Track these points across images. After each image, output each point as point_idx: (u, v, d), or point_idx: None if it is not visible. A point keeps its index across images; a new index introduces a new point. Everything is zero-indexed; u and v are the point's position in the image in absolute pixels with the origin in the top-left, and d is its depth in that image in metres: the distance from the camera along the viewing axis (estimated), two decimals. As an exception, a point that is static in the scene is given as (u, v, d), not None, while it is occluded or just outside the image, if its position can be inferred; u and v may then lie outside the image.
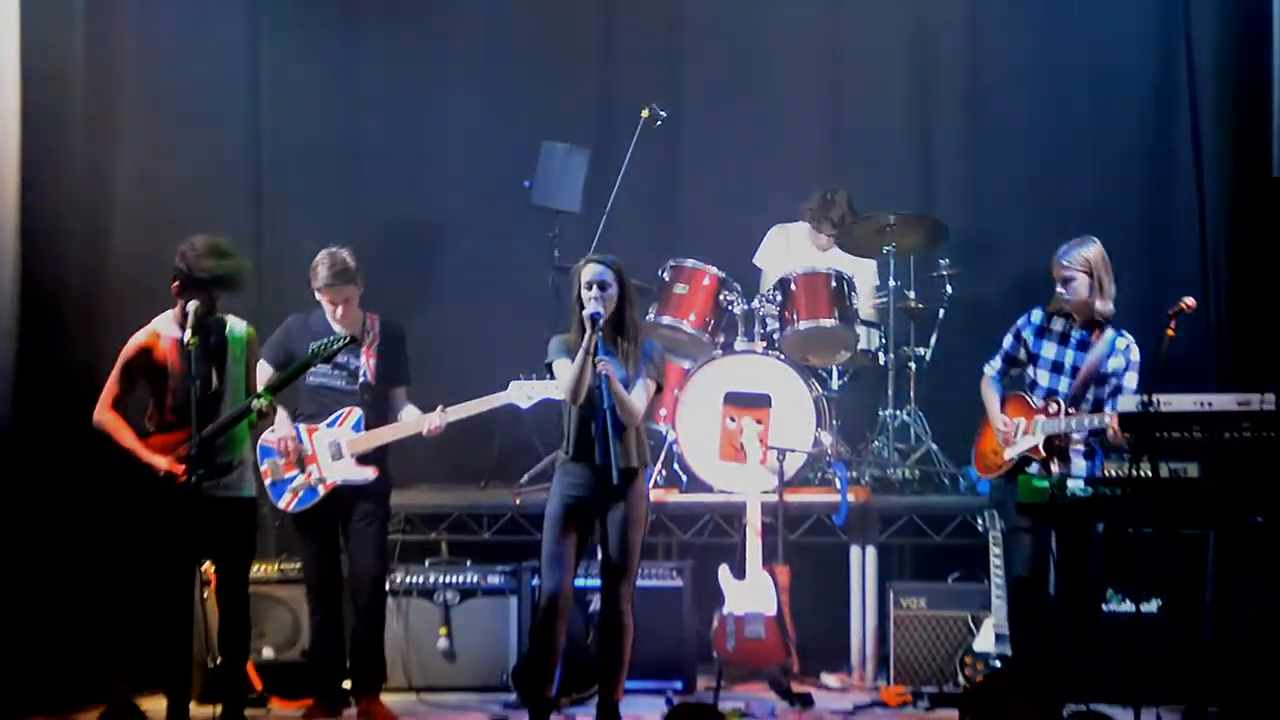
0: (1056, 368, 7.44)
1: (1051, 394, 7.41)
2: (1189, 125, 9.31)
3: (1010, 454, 7.44)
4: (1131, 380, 7.37)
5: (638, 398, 7.07)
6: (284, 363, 7.56)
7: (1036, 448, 7.36)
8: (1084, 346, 7.41)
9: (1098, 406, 7.37)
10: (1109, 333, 7.39)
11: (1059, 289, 7.40)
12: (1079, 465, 7.41)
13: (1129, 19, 9.52)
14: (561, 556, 7.12)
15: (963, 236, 9.44)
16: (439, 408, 7.76)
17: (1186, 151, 9.33)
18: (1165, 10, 9.46)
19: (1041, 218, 9.31)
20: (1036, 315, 7.50)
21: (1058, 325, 7.47)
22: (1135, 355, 7.40)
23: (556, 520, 7.14)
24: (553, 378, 7.26)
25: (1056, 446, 7.39)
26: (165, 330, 7.14)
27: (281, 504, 7.73)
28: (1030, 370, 7.51)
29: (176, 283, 7.05)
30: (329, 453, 7.70)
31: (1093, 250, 7.37)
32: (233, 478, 7.16)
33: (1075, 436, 7.38)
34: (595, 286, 7.05)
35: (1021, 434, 7.41)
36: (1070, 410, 7.35)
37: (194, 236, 7.08)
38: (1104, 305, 7.37)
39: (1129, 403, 7.09)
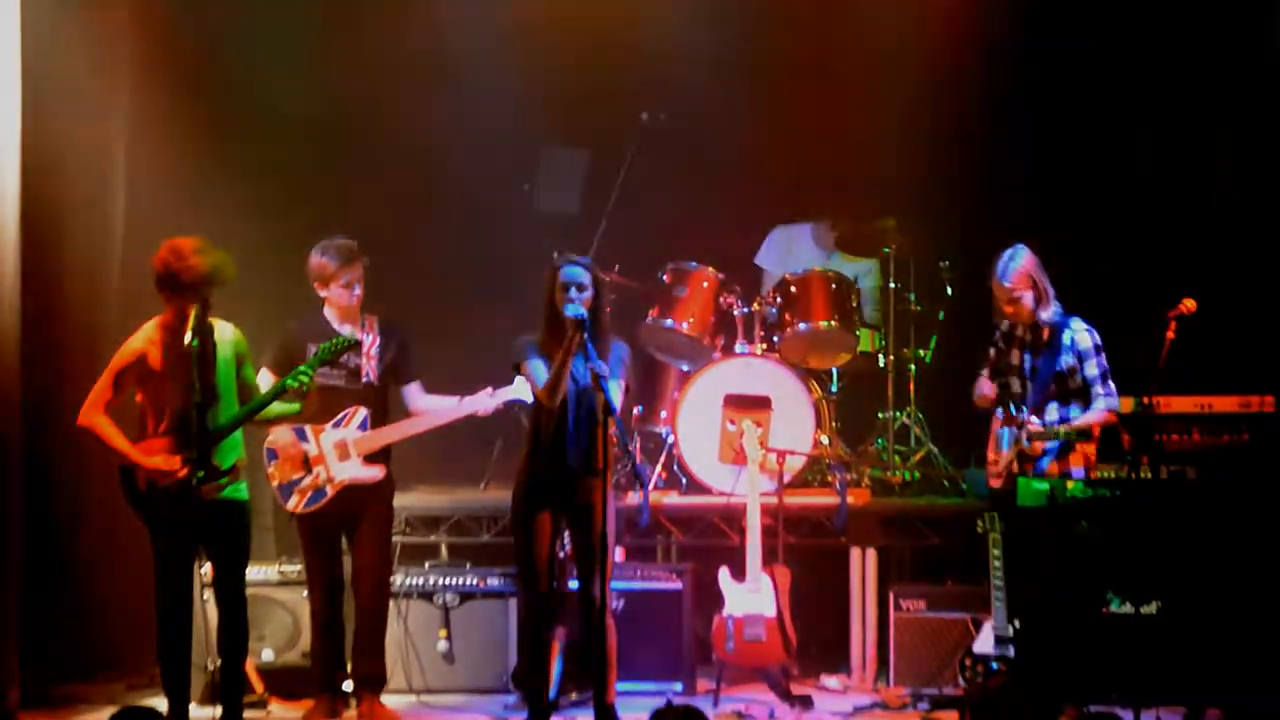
0: (1022, 375, 7.45)
1: (1020, 403, 7.41)
2: (1197, 121, 9.31)
3: (1001, 466, 7.45)
4: (1092, 369, 7.33)
5: (614, 398, 7.00)
6: (285, 367, 7.55)
7: (1014, 462, 7.37)
8: (1037, 349, 7.40)
9: (1064, 399, 7.35)
10: (1056, 322, 7.36)
11: (1006, 309, 7.39)
12: (1044, 466, 7.39)
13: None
14: (541, 560, 7.11)
15: (963, 238, 9.44)
16: (487, 389, 7.77)
17: (1192, 148, 9.32)
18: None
19: (1043, 218, 9.30)
20: (1005, 323, 7.51)
21: (1019, 330, 7.48)
22: (1085, 342, 7.34)
23: (530, 523, 7.12)
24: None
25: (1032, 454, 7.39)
26: (158, 336, 7.12)
27: (290, 505, 7.73)
28: (1009, 379, 7.50)
29: (165, 289, 7.04)
30: (335, 453, 7.71)
31: (1027, 260, 7.35)
32: (229, 480, 7.14)
33: (1047, 446, 7.37)
34: (574, 288, 7.03)
35: (1008, 445, 7.43)
36: (1032, 420, 7.33)
37: (171, 240, 7.07)
38: (1047, 314, 7.36)
39: (1099, 404, 7.15)
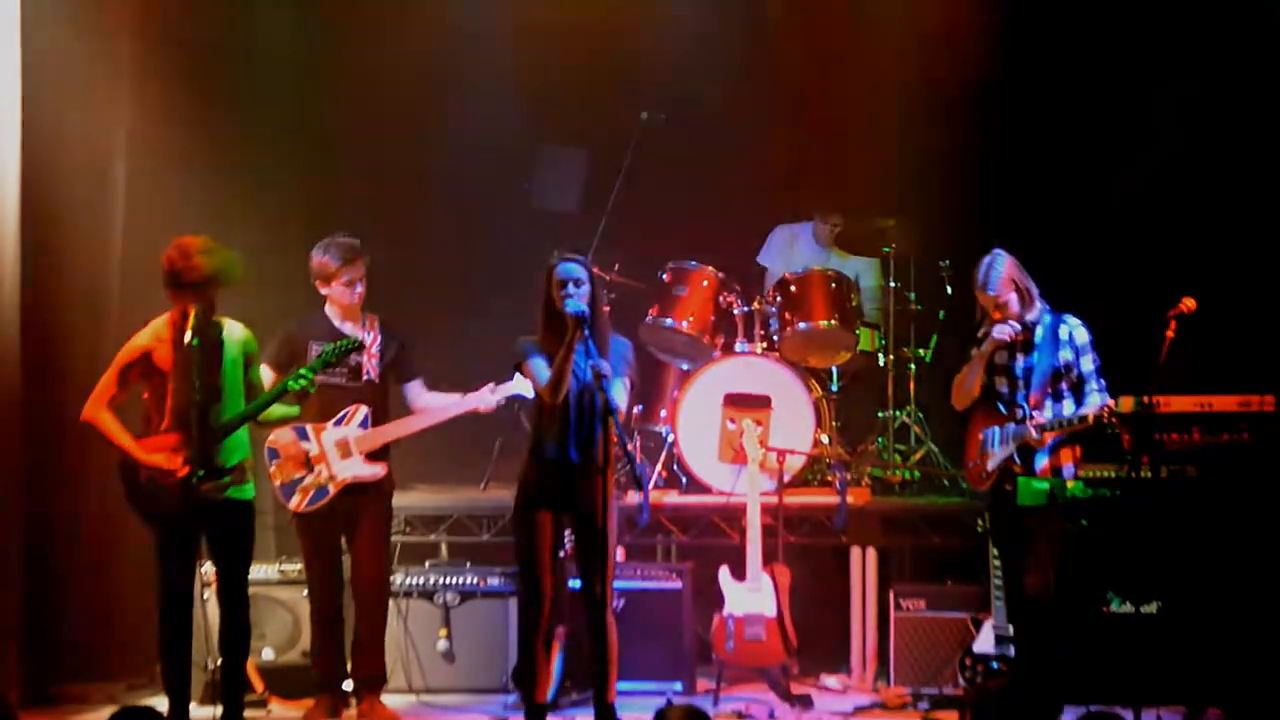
0: (1012, 374, 7.41)
1: (1014, 402, 7.39)
2: (1197, 118, 9.29)
3: (991, 465, 7.43)
4: (1088, 364, 7.30)
5: (619, 396, 7.01)
6: (285, 364, 7.58)
7: (1012, 458, 7.35)
8: (1028, 349, 7.38)
9: (1057, 395, 7.34)
10: (1046, 320, 7.35)
11: (995, 315, 7.35)
12: (1039, 463, 7.38)
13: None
14: (541, 558, 7.08)
15: (963, 238, 9.42)
16: (489, 386, 7.79)
17: (1193, 147, 9.30)
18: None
19: (1043, 218, 9.30)
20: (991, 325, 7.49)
21: None
22: (1082, 337, 7.33)
23: (531, 521, 7.09)
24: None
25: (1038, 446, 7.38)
26: (164, 333, 7.13)
27: (292, 504, 7.73)
28: (994, 380, 7.48)
29: (170, 287, 7.05)
30: (337, 451, 7.71)
31: (1007, 266, 7.32)
32: (232, 480, 7.14)
33: (1049, 439, 7.35)
34: (571, 284, 7.01)
35: (999, 444, 7.41)
36: (1035, 415, 7.31)
37: (178, 239, 7.08)
38: (1032, 314, 7.33)
39: (1094, 400, 7.12)
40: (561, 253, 7.14)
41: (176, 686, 7.13)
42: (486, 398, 7.81)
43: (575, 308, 6.90)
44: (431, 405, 7.89)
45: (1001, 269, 7.32)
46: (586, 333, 6.87)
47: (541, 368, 7.00)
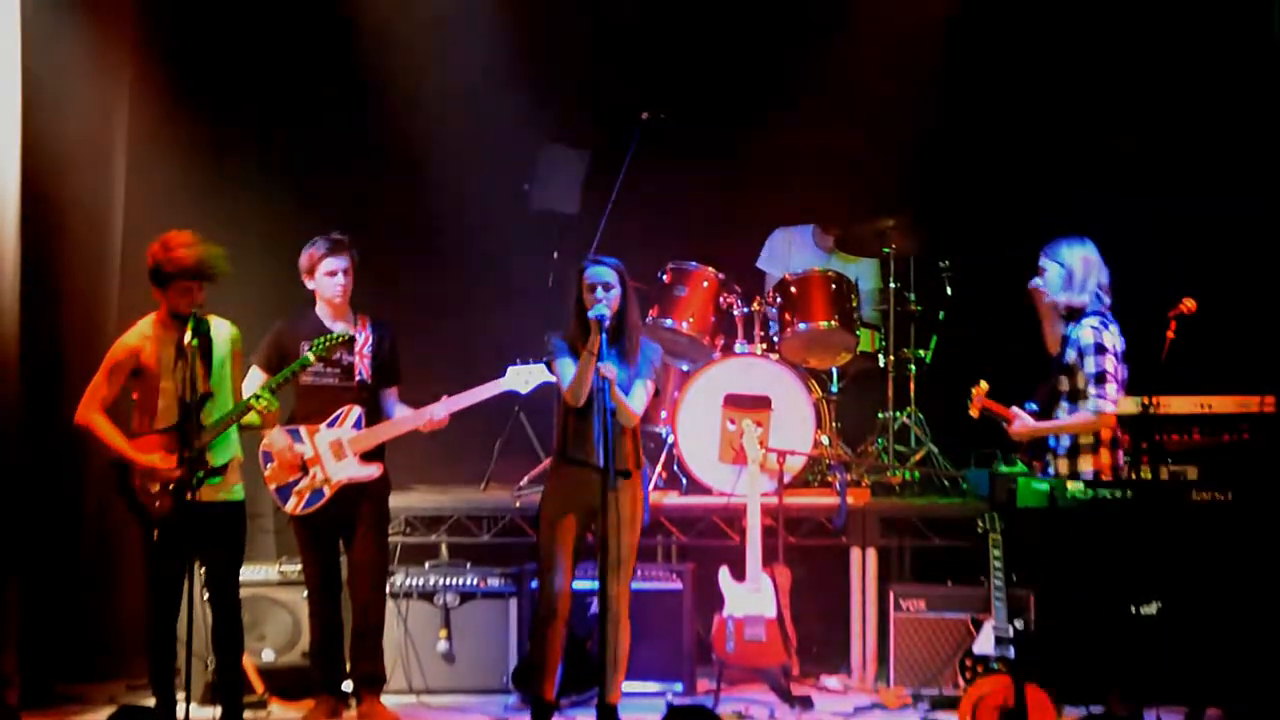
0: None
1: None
2: (1198, 119, 9.30)
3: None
4: (1090, 365, 7.22)
5: (637, 399, 7.10)
6: (276, 365, 7.56)
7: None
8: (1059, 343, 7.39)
9: (1073, 397, 7.32)
10: (1081, 317, 7.34)
11: (1039, 271, 7.36)
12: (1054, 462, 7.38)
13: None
14: (559, 558, 7.14)
15: (963, 238, 9.44)
16: (442, 398, 7.76)
17: (1194, 148, 9.30)
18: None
19: (1044, 219, 9.29)
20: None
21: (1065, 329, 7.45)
22: (1086, 339, 7.24)
23: (553, 522, 7.16)
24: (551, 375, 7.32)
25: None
26: (153, 332, 7.13)
27: (288, 507, 7.72)
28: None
29: (154, 281, 7.04)
30: (331, 453, 7.69)
31: (1077, 249, 7.29)
32: (222, 481, 7.13)
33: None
34: (600, 288, 7.07)
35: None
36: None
37: (163, 234, 7.07)
38: (1064, 299, 7.26)
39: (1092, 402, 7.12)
40: (594, 255, 7.24)
41: (161, 684, 7.13)
42: (435, 412, 7.75)
43: (596, 313, 6.98)
44: (398, 417, 7.83)
45: (1075, 247, 7.27)
46: (604, 338, 6.91)
47: (568, 368, 7.07)
